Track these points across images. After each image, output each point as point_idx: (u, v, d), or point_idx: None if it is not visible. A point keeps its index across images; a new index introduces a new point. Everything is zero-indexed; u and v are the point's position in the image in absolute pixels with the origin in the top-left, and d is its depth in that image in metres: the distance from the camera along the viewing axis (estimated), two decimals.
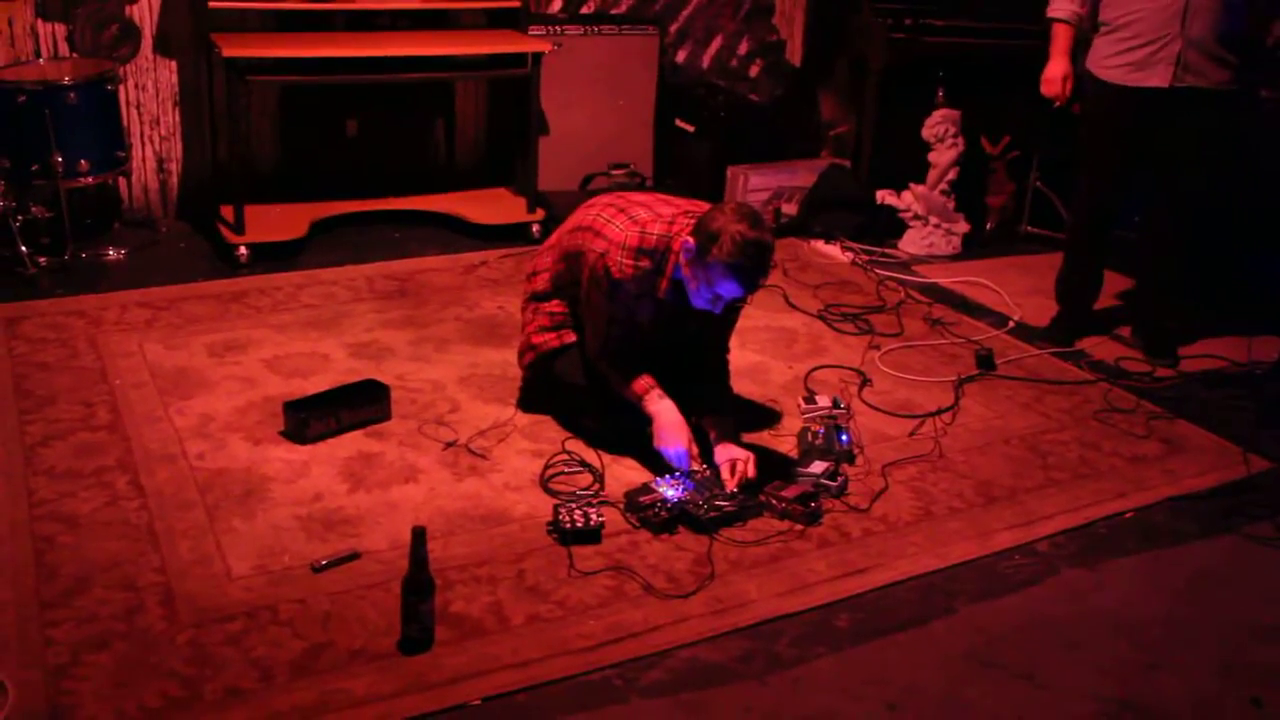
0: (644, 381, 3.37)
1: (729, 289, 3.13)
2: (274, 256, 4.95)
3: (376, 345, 4.19)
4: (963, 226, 5.70)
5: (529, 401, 3.77)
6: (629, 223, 3.33)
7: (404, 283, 4.82)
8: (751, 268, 3.10)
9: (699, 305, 3.23)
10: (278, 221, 5.17)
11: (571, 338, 3.58)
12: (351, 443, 3.48)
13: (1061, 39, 4.44)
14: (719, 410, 3.46)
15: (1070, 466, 3.68)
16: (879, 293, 5.03)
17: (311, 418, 3.46)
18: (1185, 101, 4.23)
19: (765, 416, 3.84)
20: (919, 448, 3.71)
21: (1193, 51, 4.16)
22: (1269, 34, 4.42)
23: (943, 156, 5.64)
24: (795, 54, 6.59)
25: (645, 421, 3.38)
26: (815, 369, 4.19)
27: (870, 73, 6.00)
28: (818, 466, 3.39)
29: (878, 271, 5.28)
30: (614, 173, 5.83)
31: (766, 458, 3.44)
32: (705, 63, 6.43)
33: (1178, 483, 3.64)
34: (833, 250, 5.54)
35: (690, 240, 3.15)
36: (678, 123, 6.06)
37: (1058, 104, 4.52)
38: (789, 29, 6.56)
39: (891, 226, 5.75)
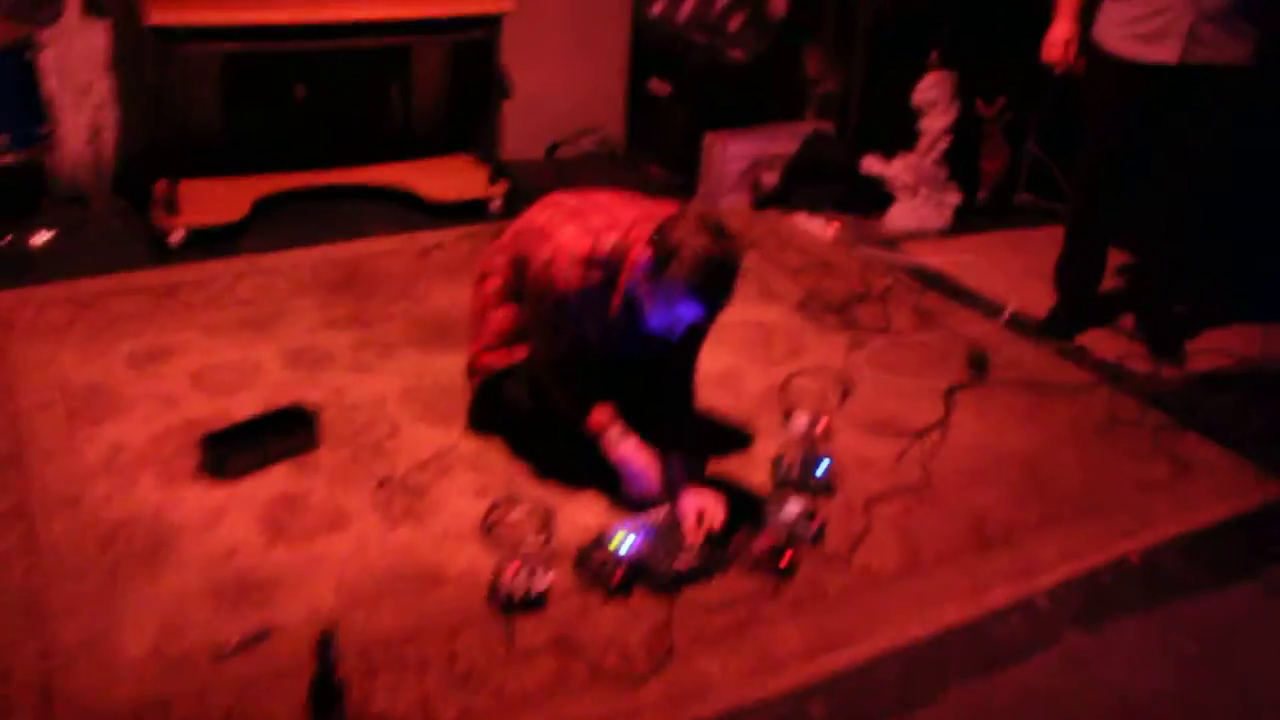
0: (602, 414, 3.01)
1: (688, 311, 2.78)
2: (213, 240, 4.57)
3: (315, 351, 3.83)
4: (954, 197, 5.33)
5: (477, 419, 3.42)
6: (582, 228, 2.96)
7: (351, 270, 4.44)
8: (713, 288, 2.74)
9: (655, 327, 2.86)
10: (218, 199, 4.78)
11: (522, 353, 3.21)
12: (275, 480, 3.13)
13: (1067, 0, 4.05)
14: (683, 444, 3.11)
15: (1072, 496, 3.35)
16: (864, 277, 4.66)
17: (230, 453, 3.11)
18: (1198, 79, 3.85)
19: (737, 438, 3.49)
20: (906, 475, 3.38)
21: (1207, 24, 3.78)
22: None
23: (935, 123, 5.25)
24: (779, 5, 6.14)
25: (602, 455, 3.04)
26: (793, 375, 3.84)
27: (858, 27, 5.58)
28: (793, 506, 3.05)
29: (864, 250, 4.91)
30: (582, 140, 5.43)
31: (737, 495, 3.10)
32: (683, 15, 5.99)
33: (1189, 514, 3.32)
34: (816, 224, 5.17)
35: (647, 253, 2.78)
36: (652, 85, 5.64)
37: (1059, 70, 4.13)
38: None
39: (879, 196, 5.38)
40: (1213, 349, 4.27)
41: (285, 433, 3.23)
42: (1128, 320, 4.43)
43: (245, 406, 3.42)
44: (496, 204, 5.03)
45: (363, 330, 3.98)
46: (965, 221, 5.33)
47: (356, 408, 3.50)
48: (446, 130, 5.57)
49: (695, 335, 3.04)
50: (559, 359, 3.02)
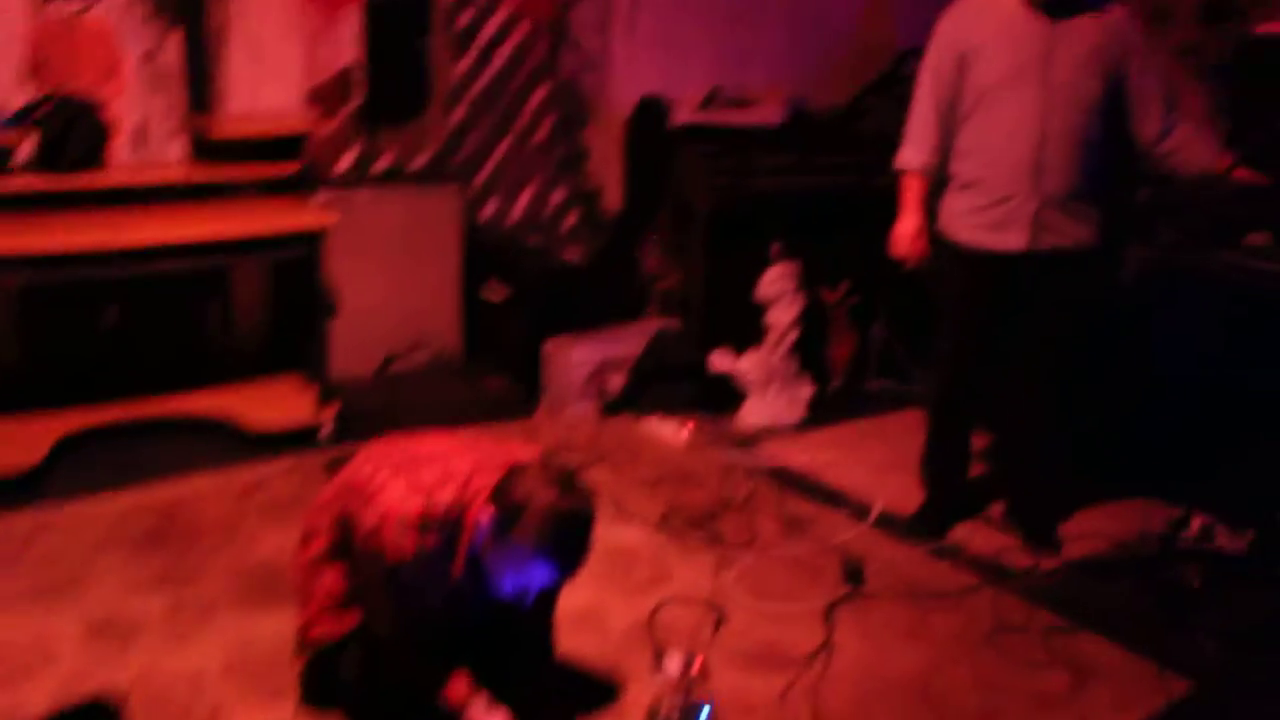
0: (460, 686, 2.65)
1: (540, 574, 2.48)
2: (6, 489, 4.10)
3: (123, 620, 3.37)
4: (807, 389, 5.18)
5: (312, 695, 3.01)
6: (411, 486, 2.62)
7: (165, 518, 4.02)
8: (566, 547, 2.47)
9: (505, 594, 2.55)
10: (13, 441, 4.32)
11: (356, 619, 2.84)
12: None
13: (912, 192, 3.95)
14: (547, 703, 2.76)
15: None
16: (724, 485, 4.42)
17: None
18: (1047, 264, 3.79)
19: (605, 689, 3.15)
20: (791, 713, 3.08)
21: (1050, 209, 3.73)
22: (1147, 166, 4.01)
23: (782, 316, 5.12)
24: (614, 202, 6.03)
25: None
26: (660, 606, 3.53)
27: (695, 219, 5.47)
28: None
29: (721, 456, 4.68)
30: (416, 354, 5.15)
31: None
32: (515, 217, 5.82)
33: None
34: (669, 429, 4.93)
35: (489, 512, 2.48)
36: (487, 292, 5.41)
37: (909, 265, 4.01)
38: (605, 176, 6.01)
39: (730, 394, 5.19)
40: (1087, 533, 4.15)
41: None
42: (997, 509, 4.26)
43: (36, 700, 2.96)
44: (326, 430, 4.68)
45: (178, 590, 3.55)
46: (820, 413, 5.17)
47: (170, 691, 3.06)
48: (270, 351, 5.21)
49: (549, 593, 2.73)
50: (400, 633, 2.66)
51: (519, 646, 2.83)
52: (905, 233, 3.97)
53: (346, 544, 2.76)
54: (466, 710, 2.64)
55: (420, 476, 2.64)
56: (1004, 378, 4.07)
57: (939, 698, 3.18)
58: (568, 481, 2.47)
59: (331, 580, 2.84)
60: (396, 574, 2.56)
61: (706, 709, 2.93)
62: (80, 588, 3.54)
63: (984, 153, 3.80)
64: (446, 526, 2.56)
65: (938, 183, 3.96)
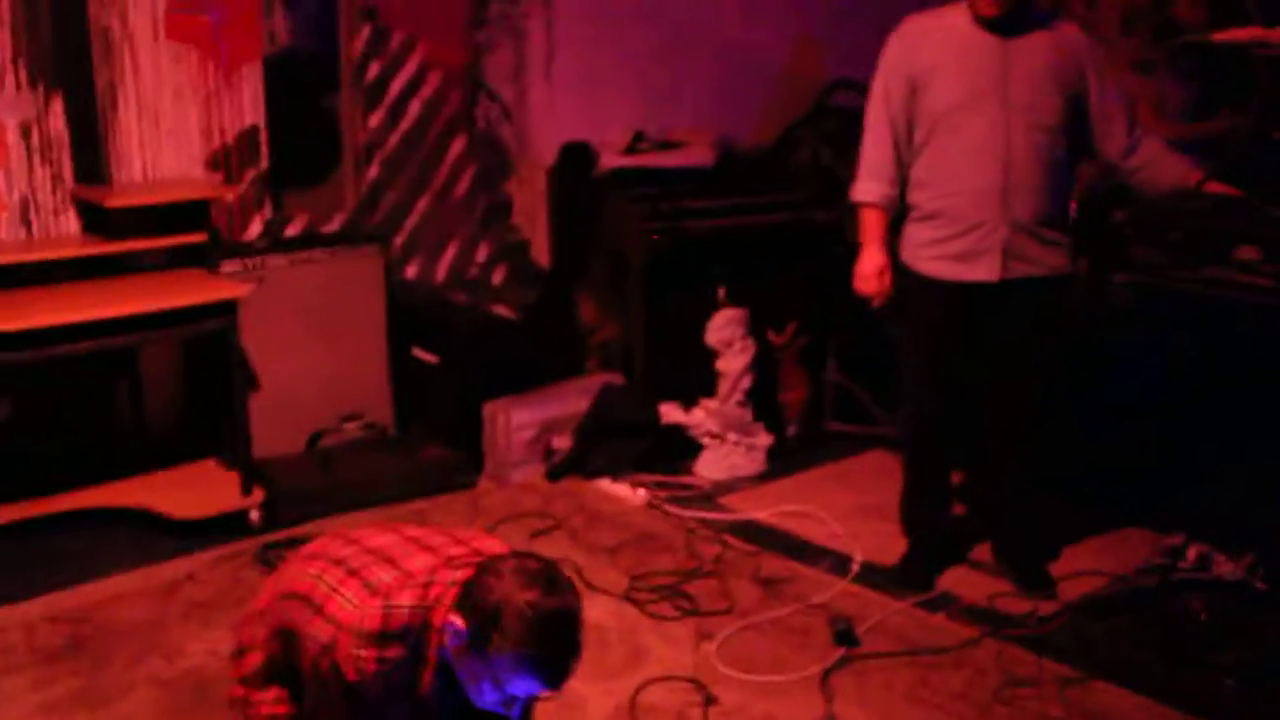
0: None
1: (526, 686, 2.14)
2: None
3: None
4: (765, 439, 4.90)
5: None
6: (364, 593, 2.25)
7: (78, 627, 3.60)
8: (555, 656, 2.13)
9: (484, 706, 2.21)
10: None
11: None
12: None
13: (873, 226, 3.71)
14: None
15: None
16: (691, 547, 4.11)
17: None
18: (1018, 292, 3.56)
19: None
20: None
21: (1020, 236, 3.51)
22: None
23: (733, 363, 4.84)
24: (542, 253, 5.73)
25: None
26: (641, 690, 3.21)
27: (631, 268, 5.19)
28: None
29: (682, 515, 4.37)
30: (346, 427, 4.78)
31: None
32: (440, 276, 5.50)
33: None
34: (622, 489, 4.62)
35: (457, 622, 2.14)
36: (417, 353, 5.07)
37: (877, 303, 3.76)
38: (532, 227, 5.71)
39: (683, 447, 4.90)
40: (1080, 570, 3.92)
41: None
42: (983, 551, 4.00)
43: None
44: (255, 515, 4.29)
45: (95, 714, 3.15)
46: (780, 462, 4.89)
47: None
48: (187, 434, 4.81)
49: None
50: None
51: None
52: (869, 270, 3.72)
53: (290, 659, 2.39)
54: None
55: (373, 579, 2.28)
56: (978, 411, 3.82)
57: None
58: (547, 577, 2.15)
59: (274, 702, 2.46)
60: (356, 693, 2.20)
61: None
62: None
63: (946, 180, 3.58)
64: (410, 635, 2.21)
65: (897, 215, 3.73)
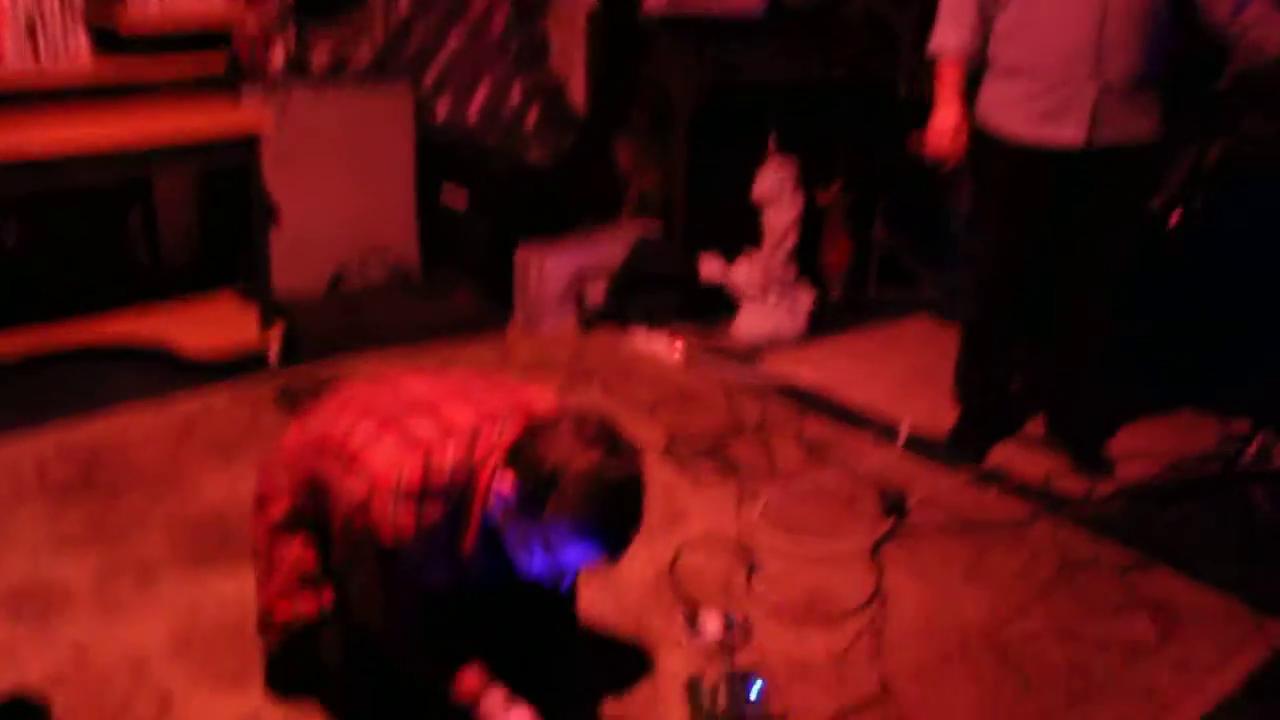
0: (472, 678, 2.13)
1: (580, 556, 1.95)
2: None
3: (45, 588, 2.81)
4: (807, 298, 4.68)
5: (280, 681, 2.48)
6: (403, 444, 2.05)
7: (91, 461, 3.44)
8: (616, 526, 1.95)
9: (533, 575, 2.03)
10: None
11: (332, 597, 2.30)
12: None
13: (950, 79, 3.43)
14: (579, 704, 2.26)
15: (1059, 682, 2.65)
16: (731, 406, 3.92)
17: None
18: (1103, 160, 3.29)
19: (631, 658, 2.65)
20: (854, 681, 2.60)
21: (1110, 98, 3.23)
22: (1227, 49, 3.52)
23: (780, 217, 4.59)
24: (579, 96, 5.44)
25: None
26: (681, 551, 3.04)
27: (675, 115, 4.91)
28: None
29: (720, 373, 4.17)
30: (371, 269, 4.57)
31: None
32: (472, 116, 5.22)
33: (1198, 684, 2.66)
34: (659, 344, 4.41)
35: (507, 483, 1.95)
36: (444, 198, 4.82)
37: (950, 165, 3.50)
38: (569, 67, 5.40)
39: (721, 303, 4.68)
40: (1138, 453, 3.71)
41: None
42: (1035, 425, 3.82)
43: None
44: (273, 354, 4.10)
45: (110, 549, 2.99)
46: (821, 324, 4.67)
47: (107, 677, 2.52)
48: (204, 267, 4.60)
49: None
50: (398, 622, 2.14)
51: (538, 623, 2.32)
52: (944, 127, 3.45)
53: (318, 512, 2.21)
54: (481, 706, 2.13)
55: (411, 429, 2.08)
56: (1047, 282, 3.59)
57: (1017, 652, 2.73)
58: (610, 439, 1.94)
59: (299, 552, 2.29)
60: (392, 555, 2.02)
61: (759, 684, 2.46)
62: None
63: (1034, 33, 3.28)
64: (452, 493, 2.02)
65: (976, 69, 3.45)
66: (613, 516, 1.92)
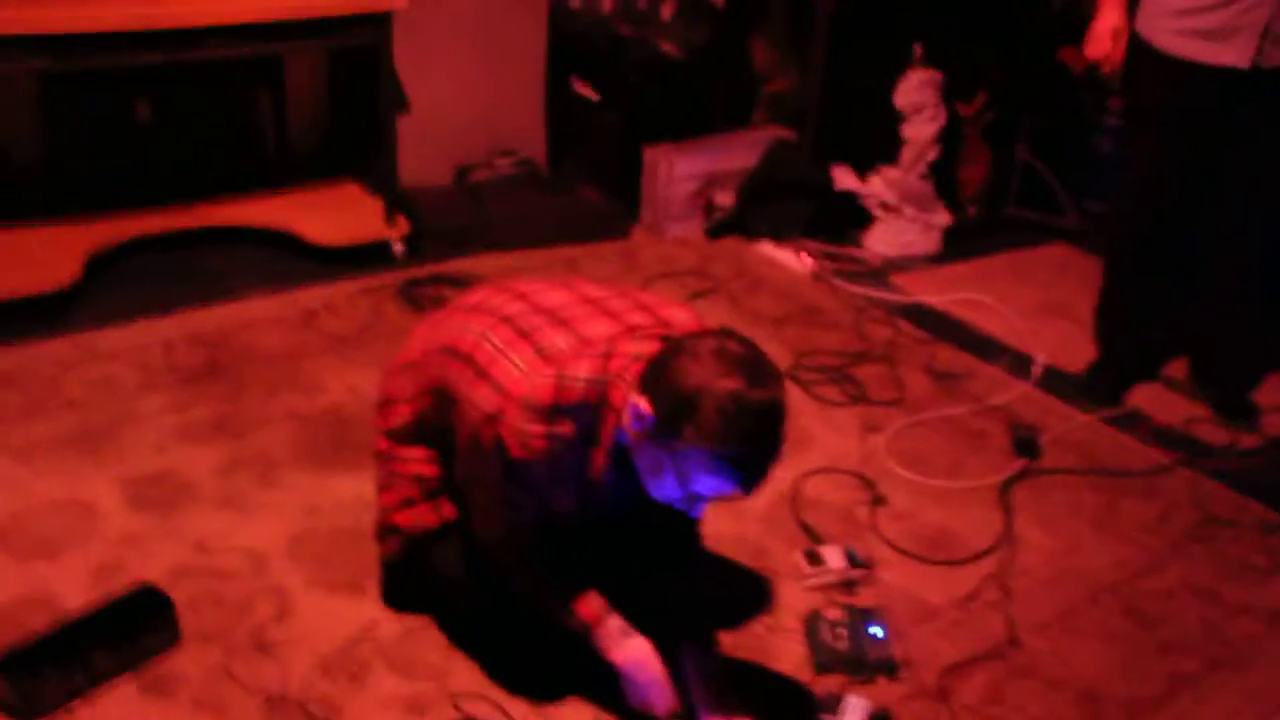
0: (591, 604, 2.10)
1: (715, 486, 1.88)
2: (34, 313, 3.53)
3: (169, 480, 2.84)
4: (944, 217, 4.51)
5: (397, 591, 2.48)
6: (534, 357, 2.00)
7: (216, 349, 3.45)
8: (755, 457, 1.85)
9: (661, 500, 1.97)
10: (39, 256, 3.74)
11: (454, 512, 2.28)
12: (111, 713, 2.17)
13: None
14: (697, 636, 2.21)
15: (1194, 644, 2.55)
16: (860, 327, 3.81)
17: (40, 680, 2.14)
18: (1273, 85, 3.06)
19: (750, 587, 2.61)
20: (981, 629, 2.53)
21: None
22: None
23: (922, 130, 4.41)
24: None
25: (591, 650, 2.13)
26: (804, 479, 2.97)
27: (815, 15, 4.71)
28: (853, 715, 2.18)
29: (850, 290, 4.05)
30: (498, 162, 4.49)
31: (769, 689, 2.22)
32: (607, 5, 5.07)
33: None
34: (786, 255, 4.29)
35: (642, 405, 1.88)
36: (575, 88, 4.71)
37: (1106, 69, 3.31)
38: None
39: (854, 216, 4.53)
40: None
41: (124, 635, 2.25)
42: (1178, 368, 3.64)
43: (71, 577, 2.46)
44: (398, 248, 4.06)
45: (233, 443, 3.01)
46: (954, 244, 4.50)
47: (229, 574, 2.54)
48: (331, 148, 4.56)
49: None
50: (519, 542, 2.10)
51: (660, 551, 2.27)
52: (1103, 30, 3.26)
53: (443, 421, 2.17)
54: (596, 633, 2.10)
55: (544, 341, 2.03)
56: (1202, 214, 3.39)
57: (1152, 611, 2.63)
58: (753, 364, 1.85)
59: (422, 459, 2.27)
60: (518, 471, 1.98)
61: (880, 631, 2.39)
62: (118, 437, 3.00)
63: None
64: (584, 411, 1.96)
65: None
66: (751, 448, 1.83)
